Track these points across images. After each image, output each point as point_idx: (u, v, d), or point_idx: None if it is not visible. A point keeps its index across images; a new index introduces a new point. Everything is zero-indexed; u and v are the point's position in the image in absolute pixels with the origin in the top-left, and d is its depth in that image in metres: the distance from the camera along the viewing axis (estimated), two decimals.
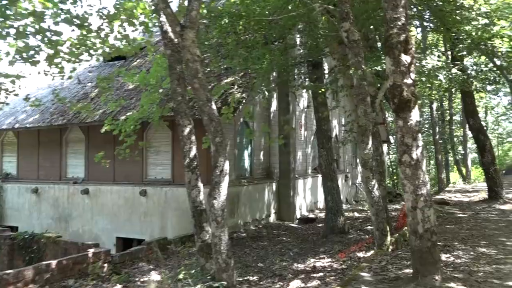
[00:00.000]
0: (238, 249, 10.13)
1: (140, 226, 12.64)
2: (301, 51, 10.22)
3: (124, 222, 12.94)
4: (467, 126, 14.74)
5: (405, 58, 4.68)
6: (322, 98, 10.42)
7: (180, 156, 12.95)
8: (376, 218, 7.01)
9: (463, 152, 25.63)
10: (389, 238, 7.11)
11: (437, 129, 22.57)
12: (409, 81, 4.66)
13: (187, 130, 7.27)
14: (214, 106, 6.30)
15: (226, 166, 6.31)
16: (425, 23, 14.44)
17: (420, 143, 4.66)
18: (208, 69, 10.16)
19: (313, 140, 18.75)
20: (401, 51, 4.68)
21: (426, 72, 6.38)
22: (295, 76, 10.52)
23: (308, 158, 18.11)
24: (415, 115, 4.65)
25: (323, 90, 10.08)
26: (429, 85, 8.50)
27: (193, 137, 7.27)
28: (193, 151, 7.24)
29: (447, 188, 20.03)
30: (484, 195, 14.03)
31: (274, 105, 15.20)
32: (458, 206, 12.62)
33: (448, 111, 25.56)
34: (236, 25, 8.29)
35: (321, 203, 18.29)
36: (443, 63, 6.69)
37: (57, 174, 14.76)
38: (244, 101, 10.80)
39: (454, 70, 6.81)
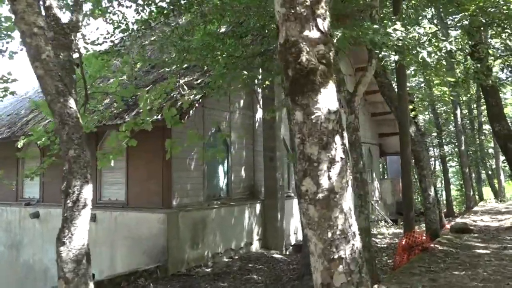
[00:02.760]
0: None
1: None
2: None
3: None
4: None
5: None
6: None
7: (136, 173, 11.04)
8: None
9: (495, 165, 22.38)
10: None
11: (463, 138, 19.54)
12: (314, 34, 2.39)
13: None
14: (71, 103, 4.19)
15: (86, 194, 4.16)
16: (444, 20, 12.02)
17: (339, 154, 2.35)
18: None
19: None
20: None
21: (400, 44, 4.08)
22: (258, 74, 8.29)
23: None
24: (326, 100, 2.36)
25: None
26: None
27: None
28: None
29: (475, 208, 17.08)
30: None
31: (260, 113, 13.01)
32: (483, 234, 9.94)
33: (477, 118, 22.44)
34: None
35: None
36: (429, 35, 4.35)
37: (14, 194, 13.04)
38: (197, 104, 8.69)
39: (447, 46, 4.42)
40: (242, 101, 12.42)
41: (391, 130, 23.56)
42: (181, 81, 7.23)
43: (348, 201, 2.33)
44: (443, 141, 23.33)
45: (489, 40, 8.34)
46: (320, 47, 2.38)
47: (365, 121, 21.69)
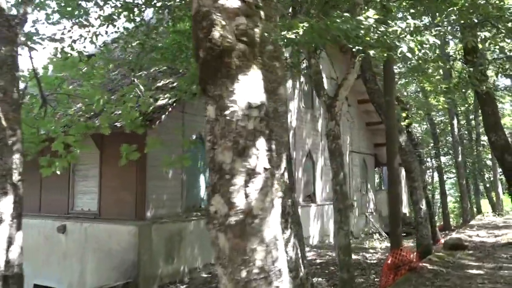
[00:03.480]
0: None
1: (59, 271, 9.94)
2: None
3: (42, 266, 10.27)
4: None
5: None
6: None
7: (110, 181, 10.43)
8: None
9: (492, 177, 21.71)
10: None
11: (460, 149, 18.91)
12: (231, 3, 1.80)
13: None
14: None
15: (3, 207, 3.54)
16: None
17: (262, 163, 1.75)
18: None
19: (305, 162, 15.82)
20: None
21: (376, 37, 3.51)
22: None
23: (297, 184, 15.11)
24: (246, 91, 1.76)
25: None
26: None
27: None
28: None
29: (472, 222, 16.43)
30: None
31: None
32: (478, 251, 9.30)
33: (474, 129, 21.83)
34: None
35: (315, 239, 15.20)
36: (410, 29, 3.79)
37: None
38: (170, 108, 8.12)
39: (430, 39, 3.85)
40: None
41: None
42: (136, 81, 6.61)
43: (272, 227, 1.72)
44: (441, 152, 22.73)
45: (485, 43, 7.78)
46: (241, 20, 1.79)
47: (360, 131, 21.12)
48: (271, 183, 1.74)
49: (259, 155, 1.73)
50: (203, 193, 11.00)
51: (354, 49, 3.96)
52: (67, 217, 10.18)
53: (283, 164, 4.05)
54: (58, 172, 5.79)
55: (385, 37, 3.84)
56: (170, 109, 8.04)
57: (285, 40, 4.02)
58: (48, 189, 10.84)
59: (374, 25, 3.48)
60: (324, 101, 6.40)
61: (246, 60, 1.76)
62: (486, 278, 6.59)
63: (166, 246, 9.22)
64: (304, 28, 3.72)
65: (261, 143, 1.75)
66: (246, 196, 1.67)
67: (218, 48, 1.73)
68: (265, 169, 1.73)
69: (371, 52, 3.85)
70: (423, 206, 9.18)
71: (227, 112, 1.72)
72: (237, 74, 1.74)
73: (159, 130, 9.39)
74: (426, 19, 12.35)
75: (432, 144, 21.42)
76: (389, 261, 6.95)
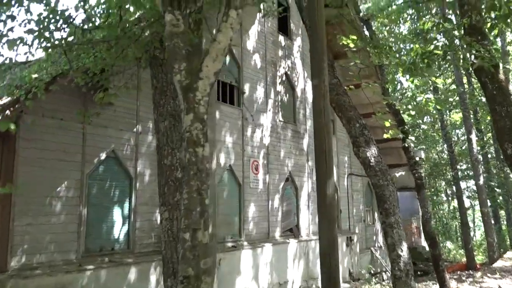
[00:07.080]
0: None
1: None
2: None
3: None
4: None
5: None
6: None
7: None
8: None
9: None
10: None
11: (481, 170, 15.34)
12: None
13: None
14: None
15: None
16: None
17: None
18: None
19: (284, 187, 12.94)
20: None
21: None
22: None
23: (273, 216, 12.22)
24: None
25: None
26: None
27: None
28: None
29: (497, 262, 12.91)
30: None
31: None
32: None
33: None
34: None
35: (295, 284, 12.11)
36: None
37: None
38: (22, 110, 5.58)
39: None
40: None
41: (396, 160, 19.63)
42: None
43: None
44: (462, 174, 19.24)
45: None
46: None
47: None
48: None
49: None
50: (118, 231, 8.31)
51: None
52: None
53: None
54: None
55: None
56: (22, 110, 5.50)
57: None
58: None
59: None
60: (179, 81, 3.70)
61: None
62: None
63: None
64: None
65: None
66: None
67: None
68: None
69: None
70: (404, 253, 6.14)
71: None
72: None
73: (37, 143, 6.93)
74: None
75: (449, 165, 18.04)
76: None
